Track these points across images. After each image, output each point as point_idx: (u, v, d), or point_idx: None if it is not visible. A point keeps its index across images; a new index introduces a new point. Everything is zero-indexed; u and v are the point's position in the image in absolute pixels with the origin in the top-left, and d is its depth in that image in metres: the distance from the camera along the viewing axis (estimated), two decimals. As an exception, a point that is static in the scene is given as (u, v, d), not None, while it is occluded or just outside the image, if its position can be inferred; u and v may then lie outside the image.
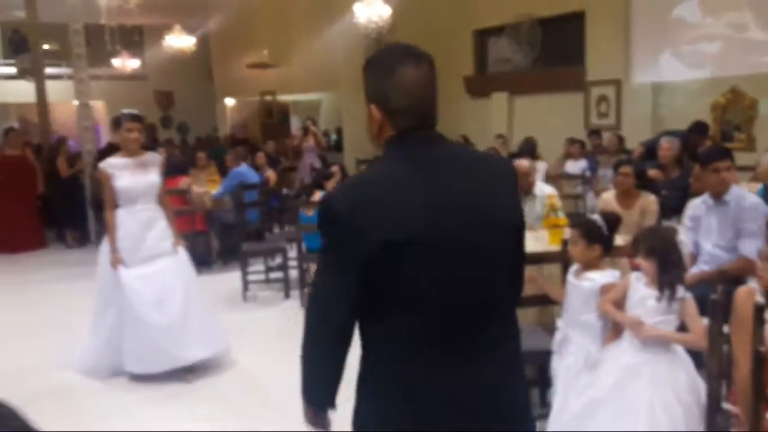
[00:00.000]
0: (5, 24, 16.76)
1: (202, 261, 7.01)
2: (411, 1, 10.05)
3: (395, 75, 1.48)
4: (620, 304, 2.71)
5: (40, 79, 11.23)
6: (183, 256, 4.29)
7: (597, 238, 2.82)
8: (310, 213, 5.43)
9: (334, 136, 14.08)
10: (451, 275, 1.42)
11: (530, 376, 3.73)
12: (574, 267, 2.95)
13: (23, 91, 14.81)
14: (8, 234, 8.14)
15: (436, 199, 1.42)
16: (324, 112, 15.41)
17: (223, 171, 7.73)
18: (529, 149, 7.35)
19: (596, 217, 2.93)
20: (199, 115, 17.53)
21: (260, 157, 8.22)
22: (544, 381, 3.37)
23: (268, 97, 13.91)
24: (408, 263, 1.39)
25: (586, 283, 2.83)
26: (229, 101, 16.61)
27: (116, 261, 4.05)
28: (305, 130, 10.44)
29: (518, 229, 1.57)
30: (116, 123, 4.15)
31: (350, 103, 11.33)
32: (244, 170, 7.20)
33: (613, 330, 2.75)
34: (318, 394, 1.58)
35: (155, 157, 4.33)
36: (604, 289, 2.78)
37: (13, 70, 15.74)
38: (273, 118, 15.39)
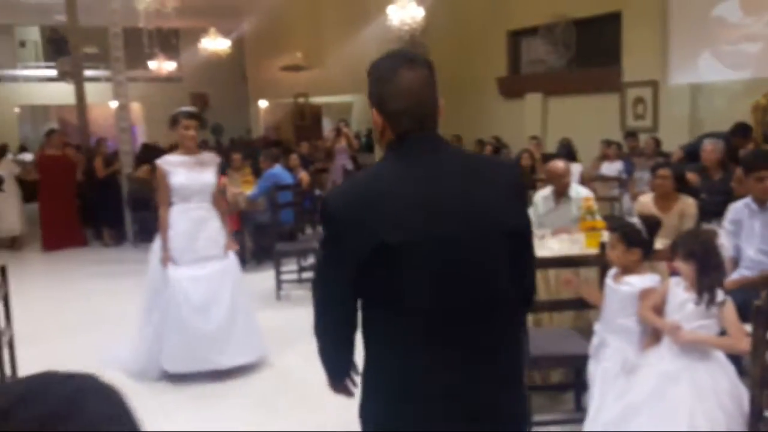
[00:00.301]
0: (45, 27, 17.23)
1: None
2: (444, 2, 10.04)
3: (393, 80, 1.53)
4: (660, 309, 2.67)
5: (79, 82, 11.51)
6: (233, 260, 4.23)
7: (637, 242, 2.77)
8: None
9: (365, 138, 14.14)
10: (448, 276, 1.45)
11: (565, 380, 3.73)
12: (612, 271, 2.92)
13: (62, 93, 15.23)
14: (50, 232, 8.35)
15: (432, 201, 1.45)
16: (355, 113, 15.50)
17: (257, 172, 7.82)
18: (566, 151, 7.27)
19: (635, 220, 2.88)
20: (232, 116, 17.78)
21: (293, 159, 8.28)
22: (580, 385, 3.35)
23: (301, 99, 14.04)
24: (405, 263, 1.43)
25: (625, 287, 2.78)
26: (263, 103, 16.79)
27: (166, 259, 4.01)
28: (338, 132, 10.49)
29: (519, 231, 1.57)
30: (173, 121, 4.08)
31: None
32: (278, 171, 7.26)
33: (652, 335, 2.72)
34: (335, 369, 1.72)
35: (212, 157, 4.26)
36: (644, 294, 2.73)
37: (52, 72, 16.19)
38: (306, 120, 15.51)
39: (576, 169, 6.68)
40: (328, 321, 1.63)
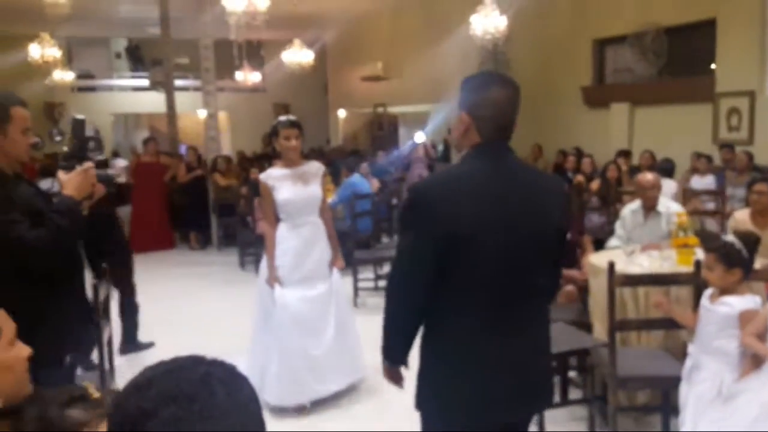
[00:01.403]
0: (134, 40, 18.20)
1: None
2: (528, 11, 9.90)
3: (487, 91, 1.84)
4: (763, 335, 2.53)
5: (170, 91, 12.08)
6: (337, 278, 4.02)
7: (737, 262, 2.64)
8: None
9: (440, 147, 14.10)
10: (507, 264, 1.78)
11: (652, 401, 3.57)
12: (708, 291, 2.79)
13: (153, 102, 16.04)
14: (139, 234, 8.78)
15: (503, 200, 1.78)
16: (430, 123, 15.51)
17: (337, 181, 7.96)
18: (667, 167, 6.95)
19: (733, 238, 2.74)
20: (313, 126, 18.13)
21: (363, 168, 8.37)
22: (667, 407, 3.24)
23: (380, 109, 14.18)
24: (476, 250, 1.75)
25: (723, 308, 2.66)
26: (341, 113, 17.08)
27: (273, 280, 3.79)
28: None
29: (561, 233, 1.95)
30: (273, 132, 3.83)
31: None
32: (356, 180, 7.36)
33: (753, 360, 2.57)
34: (397, 353, 1.93)
35: (317, 167, 3.99)
36: (745, 317, 2.60)
37: (142, 82, 17.07)
38: (383, 130, 15.65)
39: (670, 185, 6.38)
40: (404, 307, 1.87)
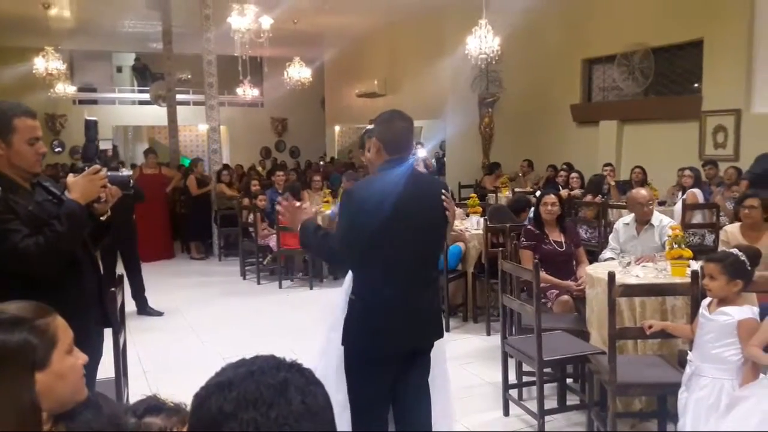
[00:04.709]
0: (142, 58, 18.47)
1: (317, 275, 7.61)
2: (520, 31, 10.23)
3: (391, 123, 2.60)
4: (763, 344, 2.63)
5: (172, 105, 12.33)
6: None
7: (741, 274, 2.76)
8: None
9: (433, 161, 14.36)
10: (411, 241, 2.51)
11: (647, 407, 3.64)
12: (706, 300, 2.89)
13: (153, 115, 16.27)
14: (144, 244, 8.93)
15: (407, 198, 2.48)
16: (423, 139, 15.78)
17: (335, 193, 8.27)
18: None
19: (736, 251, 2.86)
20: (310, 140, 18.43)
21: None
22: (664, 413, 3.35)
23: (376, 124, 14.45)
24: (388, 228, 2.43)
25: (722, 318, 2.76)
26: (338, 128, 17.36)
27: None
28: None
29: (444, 217, 2.66)
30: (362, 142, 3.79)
31: (455, 130, 11.60)
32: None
33: (752, 369, 2.68)
34: (304, 239, 2.64)
35: None
36: (742, 325, 2.71)
37: (143, 96, 17.34)
38: (379, 144, 15.94)
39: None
40: (340, 257, 2.60)
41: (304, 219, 2.64)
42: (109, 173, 2.45)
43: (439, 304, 2.82)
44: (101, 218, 2.51)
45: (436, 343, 2.78)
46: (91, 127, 2.55)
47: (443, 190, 2.70)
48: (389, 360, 2.56)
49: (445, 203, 2.66)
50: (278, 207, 2.77)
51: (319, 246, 2.60)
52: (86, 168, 2.38)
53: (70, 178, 2.36)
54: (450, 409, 3.86)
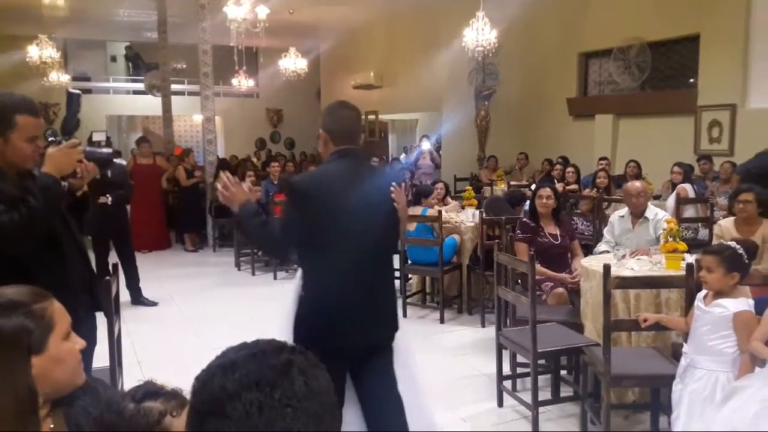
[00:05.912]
0: (134, 48, 18.35)
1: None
2: (517, 25, 10.21)
3: (337, 114, 2.55)
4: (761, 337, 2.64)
5: (167, 95, 12.26)
6: None
7: (738, 267, 2.76)
8: (412, 228, 5.67)
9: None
10: (361, 231, 2.40)
11: (641, 399, 3.67)
12: (702, 293, 2.90)
13: (147, 105, 16.18)
14: (137, 234, 8.91)
15: (354, 189, 2.42)
16: (419, 131, 15.77)
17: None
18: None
19: (734, 244, 2.86)
20: (305, 131, 18.37)
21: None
22: (657, 405, 3.38)
23: (372, 117, 14.41)
24: (334, 222, 2.39)
25: (718, 310, 2.77)
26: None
27: None
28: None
29: (393, 207, 2.56)
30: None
31: (451, 122, 11.59)
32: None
33: (750, 361, 2.68)
34: (245, 226, 2.51)
35: None
36: (738, 317, 2.72)
37: (138, 85, 17.24)
38: (375, 137, 15.90)
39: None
40: (278, 246, 2.57)
41: (245, 199, 2.46)
42: (87, 149, 2.42)
43: (394, 299, 2.70)
44: (77, 194, 2.47)
45: (398, 343, 2.64)
46: (74, 100, 2.47)
47: (393, 183, 2.59)
48: (338, 356, 2.37)
49: (393, 196, 2.54)
50: (217, 184, 2.60)
51: (258, 231, 2.46)
52: (63, 141, 2.33)
53: (49, 151, 2.31)
54: (426, 408, 3.87)
